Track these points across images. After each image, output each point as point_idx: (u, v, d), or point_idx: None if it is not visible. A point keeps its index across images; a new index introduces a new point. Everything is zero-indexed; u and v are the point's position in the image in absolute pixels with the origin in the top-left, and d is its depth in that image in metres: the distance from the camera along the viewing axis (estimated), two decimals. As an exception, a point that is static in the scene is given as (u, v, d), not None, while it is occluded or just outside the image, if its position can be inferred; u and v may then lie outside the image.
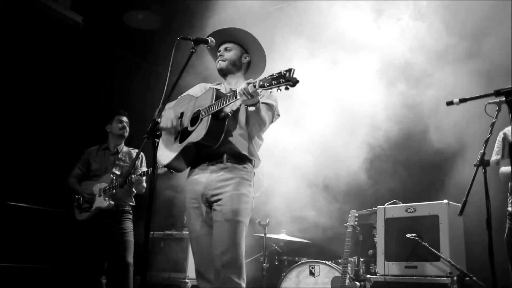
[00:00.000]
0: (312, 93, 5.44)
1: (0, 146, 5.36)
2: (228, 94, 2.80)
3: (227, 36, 3.27)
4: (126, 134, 5.12)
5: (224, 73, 3.24)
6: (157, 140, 2.49)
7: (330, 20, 5.46)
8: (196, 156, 3.01)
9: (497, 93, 2.30)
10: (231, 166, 2.96)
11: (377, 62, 5.45)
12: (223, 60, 3.21)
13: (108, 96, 6.48)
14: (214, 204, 2.91)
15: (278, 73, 2.46)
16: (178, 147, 2.99)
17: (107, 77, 6.60)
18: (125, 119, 5.13)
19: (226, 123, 2.89)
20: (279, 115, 3.20)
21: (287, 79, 2.41)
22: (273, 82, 2.47)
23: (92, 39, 6.49)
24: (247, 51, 3.29)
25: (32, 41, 5.77)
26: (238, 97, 2.67)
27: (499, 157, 3.79)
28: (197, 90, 3.34)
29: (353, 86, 5.50)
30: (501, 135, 3.83)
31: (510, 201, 3.77)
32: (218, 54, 3.26)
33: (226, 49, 3.25)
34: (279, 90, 2.49)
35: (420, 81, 5.34)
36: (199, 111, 2.98)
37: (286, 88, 2.46)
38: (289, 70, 2.43)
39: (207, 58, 3.45)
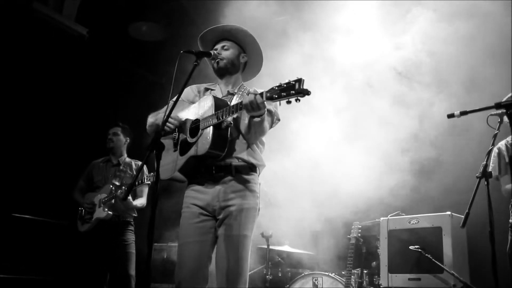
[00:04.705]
0: (316, 102, 5.42)
1: (5, 158, 5.39)
2: (232, 105, 2.67)
3: (225, 34, 3.12)
4: (112, 145, 5.08)
5: (222, 73, 3.09)
6: (159, 153, 2.41)
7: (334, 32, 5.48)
8: (199, 165, 2.88)
9: (498, 106, 2.30)
10: (239, 177, 2.85)
11: (380, 73, 5.45)
12: (221, 59, 3.04)
13: (112, 107, 6.53)
14: (221, 216, 2.81)
15: (286, 83, 2.33)
16: (180, 160, 2.88)
17: (111, 88, 6.65)
18: (111, 131, 5.11)
19: (229, 131, 2.80)
20: (279, 120, 3.04)
21: (297, 91, 2.27)
22: (282, 93, 2.33)
23: (96, 51, 6.56)
24: (244, 51, 3.15)
25: (37, 53, 5.83)
26: (243, 108, 2.56)
27: (496, 173, 3.75)
28: (189, 93, 3.17)
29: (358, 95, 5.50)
30: (495, 150, 3.77)
31: (512, 213, 3.75)
32: (215, 52, 3.07)
33: (223, 47, 3.08)
34: (288, 102, 2.34)
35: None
36: (198, 120, 2.85)
37: (297, 100, 2.32)
38: (299, 81, 2.28)
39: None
